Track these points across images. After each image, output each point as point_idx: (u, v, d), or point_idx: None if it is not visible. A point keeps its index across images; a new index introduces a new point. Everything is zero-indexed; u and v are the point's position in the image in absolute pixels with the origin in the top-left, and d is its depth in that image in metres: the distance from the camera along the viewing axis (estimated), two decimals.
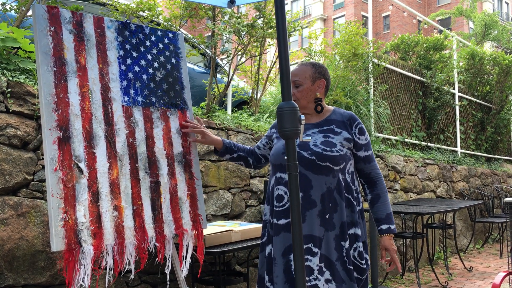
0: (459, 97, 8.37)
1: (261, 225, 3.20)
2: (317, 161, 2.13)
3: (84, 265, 1.96)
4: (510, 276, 2.37)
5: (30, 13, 3.39)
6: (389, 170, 5.74)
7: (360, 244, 2.20)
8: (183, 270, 2.34)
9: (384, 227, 2.24)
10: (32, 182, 2.62)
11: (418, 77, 7.65)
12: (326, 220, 2.15)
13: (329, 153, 2.13)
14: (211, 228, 2.99)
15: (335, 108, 2.33)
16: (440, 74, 7.74)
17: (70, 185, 1.98)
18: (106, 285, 2.07)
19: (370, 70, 6.30)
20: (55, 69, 2.02)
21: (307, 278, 2.10)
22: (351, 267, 2.16)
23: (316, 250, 2.12)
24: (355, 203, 2.22)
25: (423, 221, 5.52)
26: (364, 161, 2.26)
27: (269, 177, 2.34)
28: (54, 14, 2.08)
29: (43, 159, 2.64)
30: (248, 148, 2.56)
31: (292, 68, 2.26)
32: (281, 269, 2.12)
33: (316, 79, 2.25)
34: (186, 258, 2.36)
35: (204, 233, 2.69)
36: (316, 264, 2.11)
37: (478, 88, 9.12)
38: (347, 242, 2.17)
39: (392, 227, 2.24)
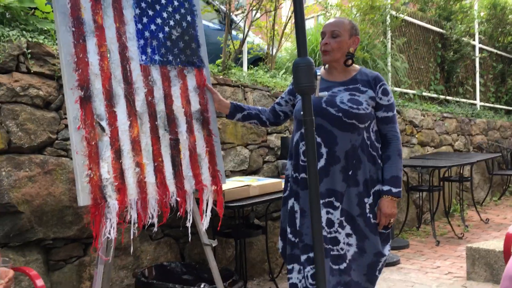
0: (480, 48, 8.17)
1: (278, 180, 3.27)
2: (344, 118, 2.16)
3: (110, 219, 2.04)
4: None
5: None
6: (406, 124, 5.73)
7: None
8: (204, 224, 2.43)
9: (385, 188, 2.22)
10: (56, 141, 2.71)
11: (437, 29, 7.46)
12: (349, 176, 2.19)
13: (355, 110, 2.16)
14: (230, 184, 3.06)
15: (361, 68, 2.34)
16: (460, 25, 7.53)
17: (93, 143, 2.04)
18: (131, 237, 2.17)
19: (387, 23, 6.17)
20: (73, 29, 2.04)
21: (328, 230, 2.18)
22: (375, 221, 2.22)
23: (337, 204, 2.18)
24: (379, 161, 2.25)
25: (440, 174, 5.54)
26: (381, 121, 2.27)
27: (293, 133, 2.38)
28: None
29: (65, 118, 2.71)
30: (259, 107, 2.58)
31: (329, 20, 2.28)
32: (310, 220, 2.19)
33: (353, 34, 2.26)
34: (206, 212, 2.44)
35: (223, 188, 2.77)
36: (337, 217, 2.18)
37: (499, 39, 8.87)
38: (371, 198, 2.21)
39: (394, 190, 2.20)
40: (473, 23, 7.96)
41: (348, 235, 2.21)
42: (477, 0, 8.18)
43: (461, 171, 5.67)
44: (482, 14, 8.52)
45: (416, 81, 7.01)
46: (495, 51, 8.72)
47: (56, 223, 2.65)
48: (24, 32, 2.75)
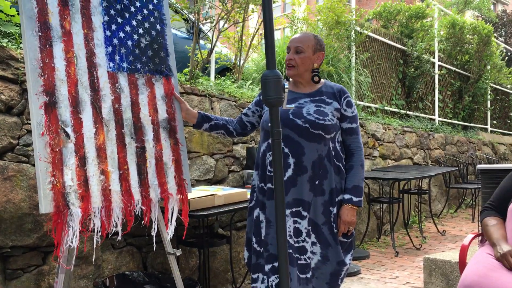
0: (439, 66, 8.48)
1: (243, 189, 3.29)
2: (311, 129, 2.21)
3: (72, 227, 2.01)
4: (479, 237, 2.52)
5: None
6: (368, 137, 5.87)
7: None
8: (169, 233, 2.42)
9: (346, 196, 2.28)
10: (18, 147, 2.64)
11: (399, 46, 7.71)
12: (315, 186, 2.24)
13: (322, 121, 2.22)
14: (195, 193, 3.06)
15: (326, 81, 2.41)
16: (421, 43, 7.81)
17: (57, 150, 2.01)
18: (94, 246, 2.14)
19: (352, 38, 6.33)
20: (40, 34, 2.02)
21: (295, 239, 2.22)
22: (337, 231, 2.27)
23: (305, 213, 2.23)
24: (344, 171, 2.31)
25: (400, 186, 5.69)
26: (346, 132, 2.34)
27: (259, 143, 2.41)
28: None
29: (27, 123, 2.65)
30: (226, 118, 2.61)
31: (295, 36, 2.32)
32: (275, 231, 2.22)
33: (317, 50, 2.32)
34: (171, 221, 2.43)
35: (189, 197, 2.76)
36: (304, 227, 2.22)
37: (458, 57, 9.23)
38: (335, 208, 2.27)
39: (355, 199, 2.26)
40: (433, 41, 8.27)
41: (313, 243, 2.26)
42: (437, 19, 8.50)
43: (420, 184, 5.84)
44: (441, 32, 8.85)
45: (379, 95, 7.20)
46: (454, 68, 9.06)
47: (14, 231, 2.58)
48: None
